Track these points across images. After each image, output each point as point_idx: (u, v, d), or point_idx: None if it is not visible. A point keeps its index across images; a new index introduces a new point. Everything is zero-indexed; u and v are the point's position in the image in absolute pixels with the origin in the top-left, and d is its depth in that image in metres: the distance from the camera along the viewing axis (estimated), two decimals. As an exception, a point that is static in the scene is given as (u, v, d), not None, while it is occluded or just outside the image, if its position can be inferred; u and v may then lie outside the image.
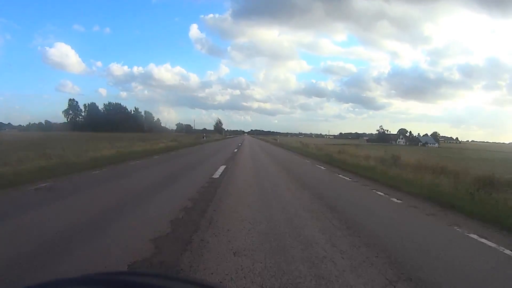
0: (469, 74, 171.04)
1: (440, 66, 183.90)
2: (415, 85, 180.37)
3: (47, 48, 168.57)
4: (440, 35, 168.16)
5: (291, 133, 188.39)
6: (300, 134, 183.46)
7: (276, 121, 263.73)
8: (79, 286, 0.54)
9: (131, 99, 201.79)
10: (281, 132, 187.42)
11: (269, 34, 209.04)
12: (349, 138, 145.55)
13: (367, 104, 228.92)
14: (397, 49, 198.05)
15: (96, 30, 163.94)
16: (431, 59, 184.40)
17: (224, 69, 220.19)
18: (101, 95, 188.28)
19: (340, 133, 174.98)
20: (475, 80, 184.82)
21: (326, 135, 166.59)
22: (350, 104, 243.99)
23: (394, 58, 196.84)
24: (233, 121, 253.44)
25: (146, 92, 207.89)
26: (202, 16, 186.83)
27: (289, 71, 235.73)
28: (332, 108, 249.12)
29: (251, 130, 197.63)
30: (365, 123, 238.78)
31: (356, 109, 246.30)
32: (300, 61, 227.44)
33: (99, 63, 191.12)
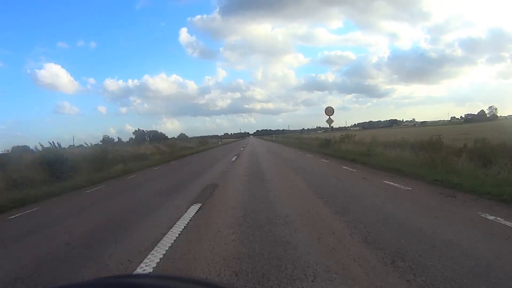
0: (471, 48, 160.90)
1: (442, 43, 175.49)
2: (417, 67, 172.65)
3: (37, 71, 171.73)
4: (440, 9, 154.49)
5: (309, 129, 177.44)
6: (319, 128, 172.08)
7: (280, 120, 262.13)
8: None
9: (132, 114, 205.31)
10: (292, 129, 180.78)
11: (261, 29, 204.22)
12: (382, 127, 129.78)
13: (370, 92, 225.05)
14: (396, 29, 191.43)
15: (81, 45, 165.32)
16: (431, 37, 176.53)
17: (220, 72, 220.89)
18: (101, 113, 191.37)
19: (370, 122, 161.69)
20: (478, 54, 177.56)
21: (349, 127, 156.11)
22: (353, 94, 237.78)
23: (394, 40, 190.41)
24: (237, 125, 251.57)
25: (146, 105, 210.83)
26: (190, 18, 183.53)
27: (286, 67, 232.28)
28: (335, 100, 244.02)
29: (257, 130, 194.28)
30: (374, 111, 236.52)
31: (360, 99, 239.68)
32: (296, 54, 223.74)
33: (91, 80, 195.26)
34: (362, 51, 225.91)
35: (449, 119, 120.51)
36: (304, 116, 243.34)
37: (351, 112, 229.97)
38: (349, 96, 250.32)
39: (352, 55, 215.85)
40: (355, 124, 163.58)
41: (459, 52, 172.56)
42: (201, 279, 0.74)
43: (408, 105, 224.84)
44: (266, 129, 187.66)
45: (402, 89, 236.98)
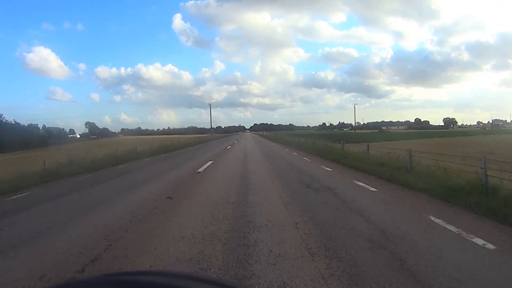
0: (478, 53, 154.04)
1: (448, 45, 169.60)
2: (420, 69, 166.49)
3: (25, 54, 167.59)
4: (450, 8, 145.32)
5: (331, 125, 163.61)
6: (342, 125, 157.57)
7: (277, 116, 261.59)
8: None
9: (126, 103, 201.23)
10: (297, 125, 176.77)
11: (259, 18, 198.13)
12: (435, 129, 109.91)
13: (370, 92, 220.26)
14: (402, 27, 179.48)
15: (67, 27, 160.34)
16: (438, 38, 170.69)
17: (216, 64, 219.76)
18: (95, 101, 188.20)
19: (417, 120, 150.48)
20: (485, 60, 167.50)
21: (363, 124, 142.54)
22: (352, 93, 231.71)
23: (399, 39, 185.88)
24: (233, 119, 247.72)
25: (140, 94, 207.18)
26: (182, 4, 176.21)
27: (285, 61, 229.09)
28: (333, 99, 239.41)
29: (254, 124, 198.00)
30: (371, 112, 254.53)
31: (358, 99, 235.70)
32: (296, 48, 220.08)
33: (82, 66, 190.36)
34: (365, 49, 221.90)
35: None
36: (300, 113, 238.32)
37: (348, 112, 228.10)
38: (347, 95, 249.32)
39: (354, 53, 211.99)
40: (368, 123, 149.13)
41: (465, 56, 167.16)
42: (200, 276, 0.83)
43: (406, 108, 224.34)
44: (266, 123, 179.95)
45: (402, 91, 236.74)
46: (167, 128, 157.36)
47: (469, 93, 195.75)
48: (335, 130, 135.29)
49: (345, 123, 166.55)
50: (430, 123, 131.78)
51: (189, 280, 0.62)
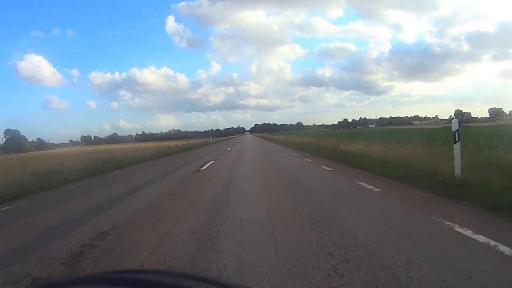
0: (478, 43, 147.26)
1: (448, 37, 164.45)
2: (419, 63, 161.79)
3: (17, 62, 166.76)
4: None
5: (353, 120, 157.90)
6: (363, 120, 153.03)
7: (276, 117, 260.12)
8: (87, 286, 0.60)
9: (124, 109, 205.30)
10: (305, 124, 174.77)
11: (254, 16, 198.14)
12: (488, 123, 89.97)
13: (369, 89, 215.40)
14: (401, 20, 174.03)
15: (57, 33, 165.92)
16: (437, 30, 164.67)
17: (212, 65, 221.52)
18: (92, 108, 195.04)
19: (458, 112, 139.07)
20: (484, 50, 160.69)
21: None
22: (351, 91, 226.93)
23: (397, 32, 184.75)
24: (232, 121, 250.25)
25: (137, 99, 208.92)
26: (174, 5, 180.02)
27: (282, 59, 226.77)
28: (332, 98, 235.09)
29: (255, 125, 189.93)
30: (371, 109, 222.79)
31: (358, 96, 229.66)
32: (293, 45, 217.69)
33: (75, 72, 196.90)
34: (362, 44, 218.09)
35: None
36: (300, 113, 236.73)
37: (348, 110, 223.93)
38: (346, 93, 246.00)
39: (352, 47, 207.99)
40: (395, 117, 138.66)
41: (465, 47, 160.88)
42: (201, 275, 0.86)
43: (406, 104, 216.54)
44: (268, 123, 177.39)
45: (402, 87, 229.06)
46: (143, 133, 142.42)
47: (469, 87, 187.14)
48: (358, 127, 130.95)
49: (367, 118, 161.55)
50: (472, 116, 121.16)
51: (190, 279, 0.63)
